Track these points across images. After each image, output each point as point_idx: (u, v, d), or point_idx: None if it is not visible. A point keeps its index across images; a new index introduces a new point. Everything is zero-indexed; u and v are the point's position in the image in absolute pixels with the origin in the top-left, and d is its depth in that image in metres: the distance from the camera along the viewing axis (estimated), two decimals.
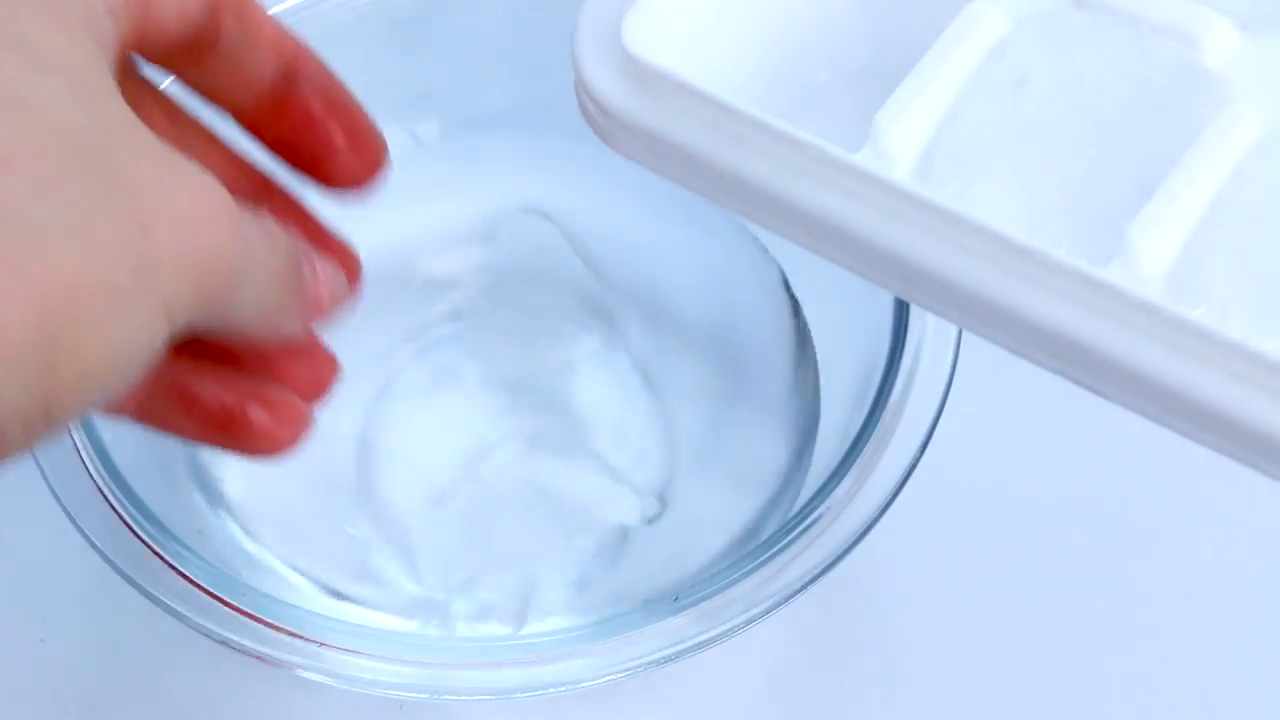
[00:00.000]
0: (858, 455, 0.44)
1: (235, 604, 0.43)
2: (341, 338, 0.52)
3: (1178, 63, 0.35)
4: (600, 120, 0.36)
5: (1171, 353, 0.31)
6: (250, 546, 0.49)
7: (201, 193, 0.31)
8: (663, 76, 0.34)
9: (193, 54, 0.37)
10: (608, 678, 0.43)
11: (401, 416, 0.51)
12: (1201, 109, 0.34)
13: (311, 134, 0.38)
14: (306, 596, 0.48)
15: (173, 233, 0.30)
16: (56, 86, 0.30)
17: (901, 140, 0.34)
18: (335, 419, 0.51)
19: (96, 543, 0.44)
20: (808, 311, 0.52)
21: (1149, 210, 0.33)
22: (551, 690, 0.43)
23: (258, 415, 0.37)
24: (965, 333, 0.46)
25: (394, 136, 0.55)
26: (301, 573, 0.48)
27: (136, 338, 0.30)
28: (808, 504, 0.44)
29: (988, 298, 0.33)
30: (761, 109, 0.34)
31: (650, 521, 0.50)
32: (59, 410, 0.29)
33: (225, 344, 0.37)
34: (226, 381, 0.37)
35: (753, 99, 0.34)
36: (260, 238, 0.33)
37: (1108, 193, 0.34)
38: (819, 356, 0.52)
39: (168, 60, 0.37)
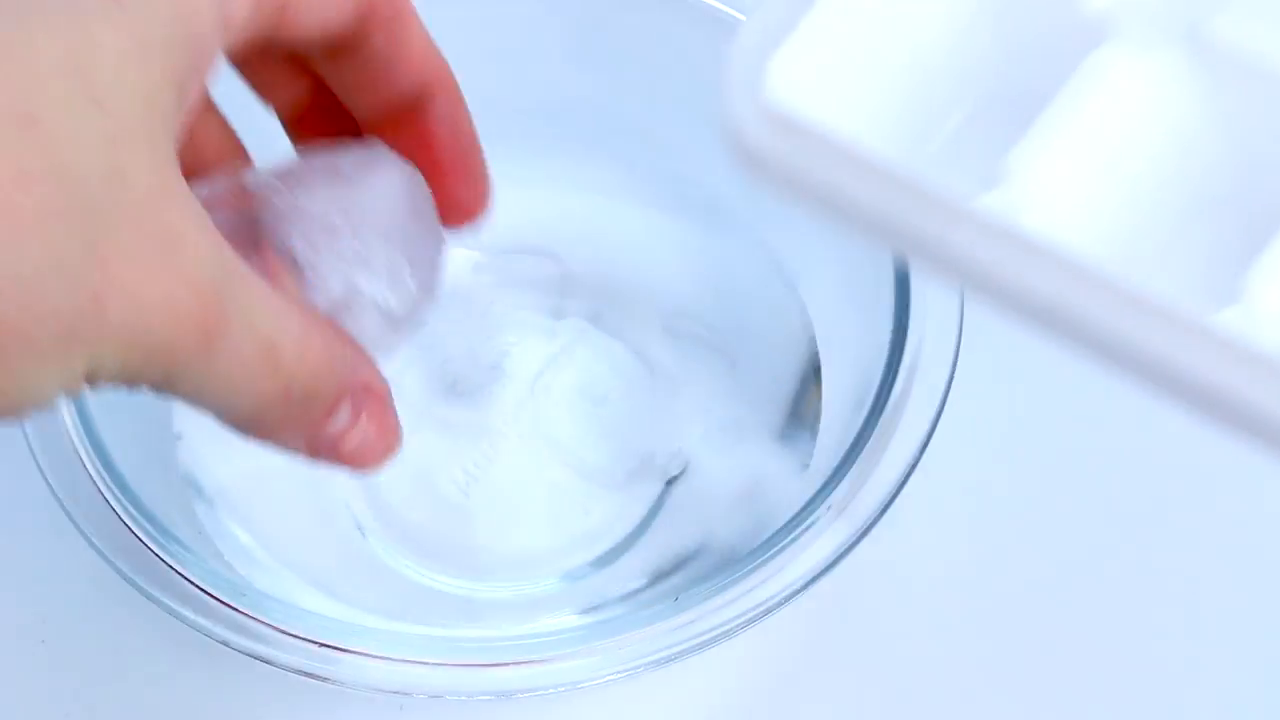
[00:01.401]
0: (858, 455, 0.44)
1: (235, 604, 0.43)
2: None
3: None
4: (745, 162, 0.37)
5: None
6: (250, 546, 0.49)
7: (174, 286, 0.30)
8: (803, 124, 0.35)
9: (329, 54, 0.36)
10: (608, 678, 0.43)
11: (399, 412, 0.51)
12: None
13: (426, 158, 0.37)
14: (306, 596, 0.48)
15: (127, 315, 0.29)
16: (90, 125, 0.29)
17: (1035, 183, 0.34)
18: None
19: (96, 543, 0.44)
20: (809, 312, 0.52)
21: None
22: (551, 690, 0.43)
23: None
24: (964, 335, 0.46)
25: None
26: (300, 572, 0.48)
27: (43, 388, 0.29)
28: (807, 505, 0.44)
29: (1130, 344, 0.33)
30: (900, 147, 0.35)
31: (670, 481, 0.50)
32: None
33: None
34: None
35: (892, 136, 0.35)
36: (248, 346, 0.32)
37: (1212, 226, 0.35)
38: (820, 356, 0.52)
39: (297, 52, 0.36)
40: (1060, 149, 0.35)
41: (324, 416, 0.34)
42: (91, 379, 0.30)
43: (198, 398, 0.32)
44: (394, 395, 0.51)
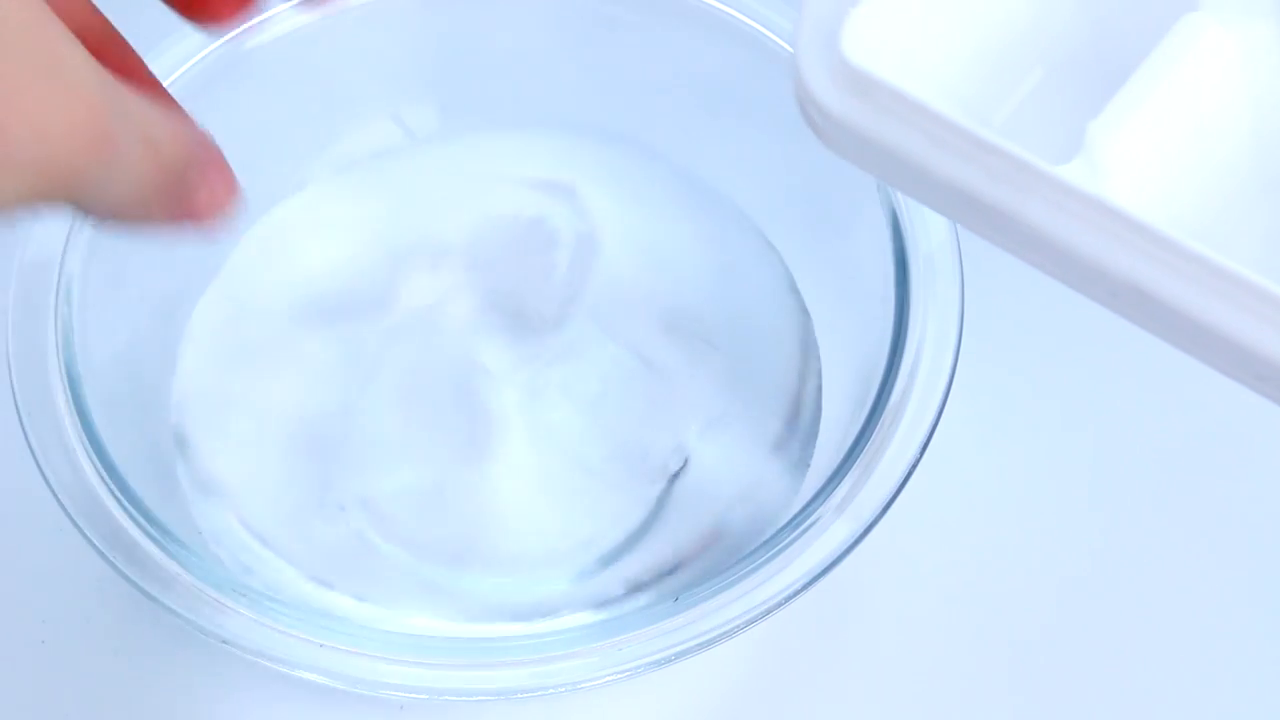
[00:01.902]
0: (858, 456, 0.44)
1: (235, 604, 0.43)
2: (327, 331, 0.52)
3: None
4: (818, 122, 0.36)
5: None
6: (249, 545, 0.49)
7: (72, 107, 0.31)
8: (878, 84, 0.34)
9: None
10: (608, 678, 0.43)
11: (394, 406, 0.51)
12: None
13: None
14: (306, 595, 0.48)
15: (27, 138, 0.31)
16: None
17: (1115, 154, 0.33)
18: (327, 415, 0.51)
19: (96, 543, 0.44)
20: (809, 311, 0.52)
21: None
22: (551, 690, 0.43)
23: None
24: (964, 335, 0.46)
25: (383, 129, 0.55)
26: (300, 572, 0.48)
27: None
28: (807, 505, 0.44)
29: (1203, 322, 0.32)
30: (973, 112, 0.34)
31: (672, 478, 0.50)
32: None
33: None
34: None
35: (965, 100, 0.34)
36: (134, 146, 0.33)
37: None
38: (820, 357, 0.52)
39: None
40: (1144, 119, 0.34)
41: (192, 187, 0.36)
42: (2, 201, 0.31)
43: (92, 203, 0.33)
44: (395, 398, 0.51)
